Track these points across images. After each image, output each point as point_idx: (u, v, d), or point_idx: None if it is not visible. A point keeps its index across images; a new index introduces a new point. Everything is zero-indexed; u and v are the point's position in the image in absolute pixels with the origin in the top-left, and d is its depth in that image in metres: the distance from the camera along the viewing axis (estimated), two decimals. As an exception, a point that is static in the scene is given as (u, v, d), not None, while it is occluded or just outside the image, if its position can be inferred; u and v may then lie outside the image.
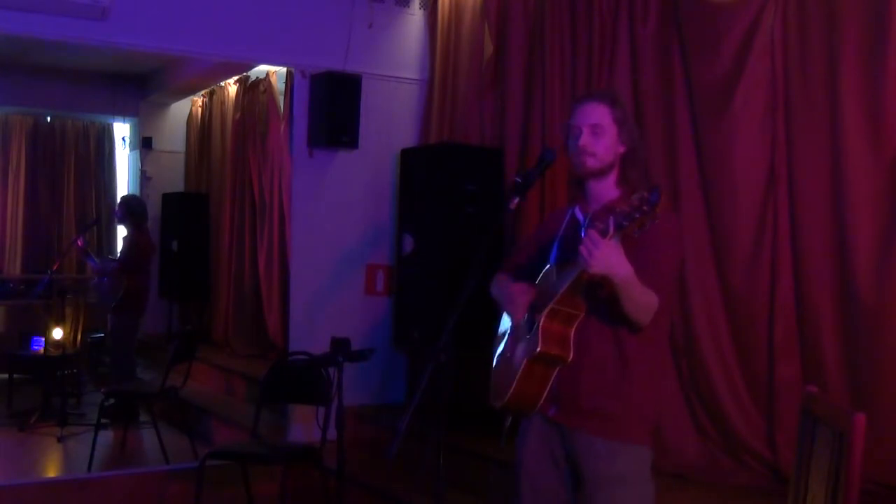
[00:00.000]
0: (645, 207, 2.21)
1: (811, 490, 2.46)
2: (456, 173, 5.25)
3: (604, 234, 2.30)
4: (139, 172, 9.69)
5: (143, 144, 9.62)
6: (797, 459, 2.58)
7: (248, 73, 8.18)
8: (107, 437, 6.30)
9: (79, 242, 7.13)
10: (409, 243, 5.50)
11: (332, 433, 3.68)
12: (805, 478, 2.51)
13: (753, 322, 4.11)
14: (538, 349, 2.50)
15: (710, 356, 4.20)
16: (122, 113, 9.86)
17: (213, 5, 5.50)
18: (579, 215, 2.71)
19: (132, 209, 7.02)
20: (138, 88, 9.61)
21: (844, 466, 2.24)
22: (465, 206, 5.19)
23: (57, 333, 7.32)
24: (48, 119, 10.26)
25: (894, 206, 3.63)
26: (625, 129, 2.63)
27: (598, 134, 2.60)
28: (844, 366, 3.79)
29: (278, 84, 7.67)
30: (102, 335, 8.41)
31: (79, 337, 8.10)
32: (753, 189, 4.09)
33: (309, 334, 5.57)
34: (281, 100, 7.61)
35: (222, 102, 8.84)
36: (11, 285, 9.17)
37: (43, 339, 7.52)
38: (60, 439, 6.30)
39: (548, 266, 2.65)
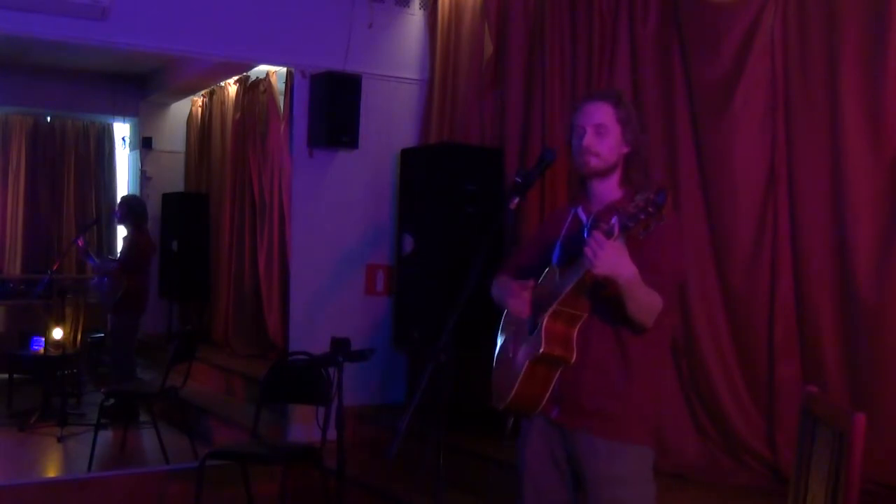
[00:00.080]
0: (651, 209, 2.20)
1: (811, 490, 2.46)
2: (456, 173, 5.25)
3: (608, 234, 2.29)
4: (139, 172, 9.69)
5: (143, 144, 9.62)
6: (797, 459, 2.58)
7: (248, 73, 8.18)
8: (107, 437, 6.30)
9: (79, 242, 7.13)
10: (409, 243, 5.51)
11: (332, 433, 3.68)
12: (805, 478, 2.51)
13: (753, 322, 4.11)
14: (541, 350, 2.49)
15: (710, 356, 4.20)
16: (122, 113, 9.87)
17: (213, 5, 5.50)
18: (582, 216, 2.69)
19: (132, 209, 7.02)
20: (138, 88, 9.61)
21: (844, 466, 2.24)
22: (465, 206, 5.19)
23: (57, 333, 7.31)
24: (48, 119, 10.26)
25: (894, 206, 3.63)
26: (629, 129, 2.62)
27: (602, 134, 2.59)
28: (844, 366, 3.79)
29: (278, 84, 7.67)
30: (102, 335, 8.42)
31: (79, 337, 8.09)
32: (753, 189, 4.09)
33: (309, 334, 5.56)
34: (281, 100, 7.61)
35: (222, 102, 8.84)
36: (11, 285, 9.16)
37: (43, 339, 7.51)
38: (60, 439, 6.30)
39: (550, 267, 2.64)
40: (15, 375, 7.48)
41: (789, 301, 4.00)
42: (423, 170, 5.51)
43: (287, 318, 6.10)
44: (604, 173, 2.62)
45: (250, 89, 8.17)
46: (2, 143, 10.02)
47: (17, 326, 8.35)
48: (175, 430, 6.31)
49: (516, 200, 2.64)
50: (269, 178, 7.75)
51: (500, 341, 2.81)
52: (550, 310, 2.50)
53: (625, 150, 2.63)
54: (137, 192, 9.27)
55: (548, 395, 2.57)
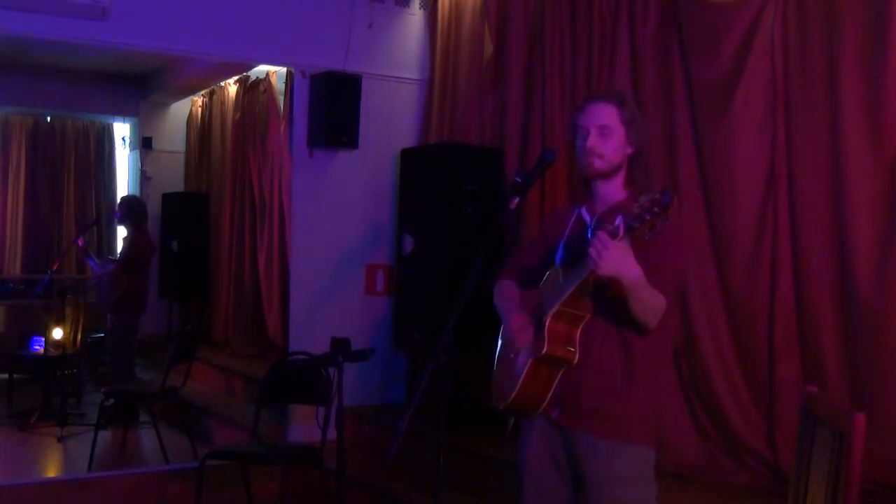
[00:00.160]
0: (656, 209, 2.18)
1: (811, 490, 2.46)
2: (456, 173, 5.25)
3: (613, 235, 2.27)
4: (139, 172, 9.69)
5: (143, 144, 9.62)
6: (797, 459, 2.58)
7: (248, 73, 8.18)
8: (107, 437, 6.29)
9: (79, 242, 7.13)
10: (409, 243, 5.51)
11: (332, 433, 3.68)
12: (805, 478, 2.51)
13: (753, 322, 4.11)
14: (544, 350, 2.48)
15: (710, 356, 4.20)
16: (122, 113, 9.87)
17: (213, 5, 5.50)
18: (586, 216, 2.67)
19: (132, 209, 7.02)
20: (138, 88, 9.61)
21: (844, 466, 2.24)
22: (465, 206, 5.19)
23: (57, 333, 7.31)
24: (48, 119, 10.26)
25: (894, 206, 3.63)
26: (633, 130, 2.60)
27: (606, 135, 2.57)
28: (844, 366, 3.79)
29: (278, 84, 7.67)
30: (102, 335, 8.41)
31: (79, 337, 8.10)
32: (753, 189, 4.09)
33: (309, 334, 5.57)
34: (281, 100, 7.61)
35: (222, 102, 8.84)
36: (11, 285, 9.16)
37: (43, 339, 7.51)
38: (60, 439, 6.30)
39: (553, 267, 2.63)
40: (15, 375, 7.48)
41: (789, 301, 4.00)
42: (423, 170, 5.51)
43: (287, 318, 6.10)
44: (608, 174, 2.61)
45: (250, 89, 8.16)
46: (2, 143, 10.02)
47: (17, 326, 8.34)
48: (175, 430, 6.31)
49: (516, 200, 2.63)
50: (269, 178, 7.75)
51: (500, 342, 2.80)
52: (553, 310, 2.49)
53: (629, 150, 2.61)
54: (137, 193, 9.27)
55: (549, 395, 2.56)
